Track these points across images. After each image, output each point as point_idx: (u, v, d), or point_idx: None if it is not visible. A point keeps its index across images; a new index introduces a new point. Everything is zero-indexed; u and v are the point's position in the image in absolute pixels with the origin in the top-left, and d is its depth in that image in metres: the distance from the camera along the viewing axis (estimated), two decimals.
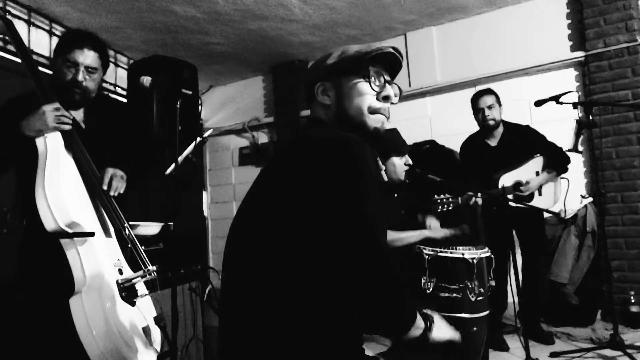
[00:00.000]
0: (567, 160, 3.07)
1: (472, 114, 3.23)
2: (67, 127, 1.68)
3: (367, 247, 0.94)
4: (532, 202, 3.01)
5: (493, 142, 3.19)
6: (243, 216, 1.13)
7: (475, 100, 3.18)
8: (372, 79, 1.18)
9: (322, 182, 0.98)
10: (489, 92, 3.17)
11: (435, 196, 2.60)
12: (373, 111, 1.18)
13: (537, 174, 3.09)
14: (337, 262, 0.95)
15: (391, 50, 1.19)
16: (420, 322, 1.03)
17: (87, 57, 1.84)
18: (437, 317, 1.09)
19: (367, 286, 0.95)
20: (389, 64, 1.22)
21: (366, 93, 1.17)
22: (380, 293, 0.95)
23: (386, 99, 1.20)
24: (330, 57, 1.19)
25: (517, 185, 2.99)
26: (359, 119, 1.17)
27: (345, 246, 0.94)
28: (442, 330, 1.09)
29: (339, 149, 1.01)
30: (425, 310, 1.09)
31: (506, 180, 2.99)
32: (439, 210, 2.54)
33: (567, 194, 3.19)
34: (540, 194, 3.09)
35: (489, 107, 3.10)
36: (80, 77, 1.83)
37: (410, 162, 2.31)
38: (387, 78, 1.22)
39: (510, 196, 2.82)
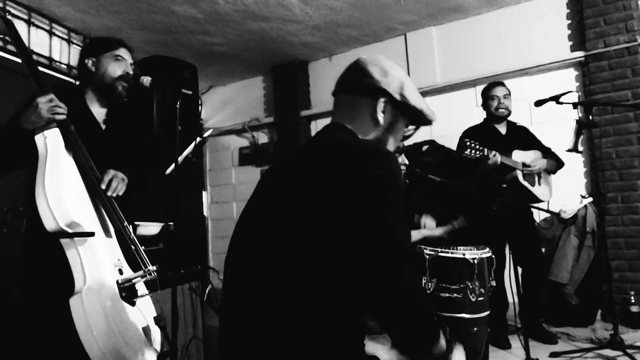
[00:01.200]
0: (563, 163, 3.18)
1: (482, 104, 3.26)
2: (61, 117, 1.68)
3: (392, 257, 0.95)
4: (533, 189, 3.10)
5: (502, 130, 3.22)
6: (253, 216, 1.13)
7: (488, 89, 3.20)
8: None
9: (350, 190, 0.99)
10: (503, 84, 3.22)
11: (467, 139, 2.66)
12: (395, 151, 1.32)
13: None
14: (355, 269, 0.96)
15: None
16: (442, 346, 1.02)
17: (129, 56, 2.00)
18: None
19: (385, 295, 0.95)
20: None
21: (401, 136, 1.31)
22: (398, 302, 0.95)
23: (398, 147, 1.35)
24: (406, 87, 1.21)
25: (525, 165, 3.05)
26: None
27: (369, 255, 0.95)
28: None
29: (372, 158, 1.04)
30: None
31: (517, 157, 3.04)
32: (465, 154, 2.64)
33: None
34: (539, 184, 3.15)
35: (504, 97, 3.15)
36: (131, 71, 1.97)
37: (407, 162, 2.31)
38: None
39: (520, 172, 2.98)
